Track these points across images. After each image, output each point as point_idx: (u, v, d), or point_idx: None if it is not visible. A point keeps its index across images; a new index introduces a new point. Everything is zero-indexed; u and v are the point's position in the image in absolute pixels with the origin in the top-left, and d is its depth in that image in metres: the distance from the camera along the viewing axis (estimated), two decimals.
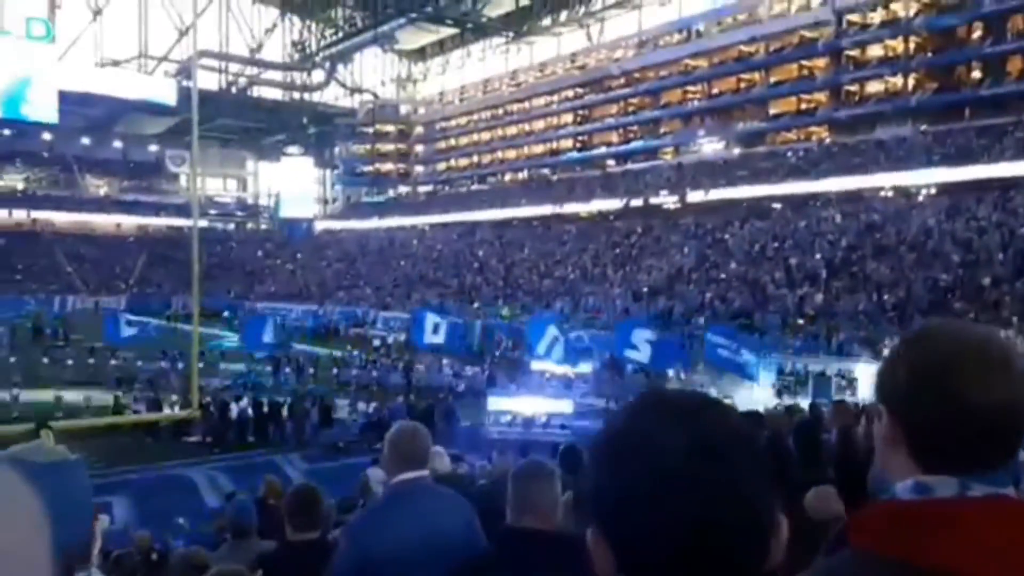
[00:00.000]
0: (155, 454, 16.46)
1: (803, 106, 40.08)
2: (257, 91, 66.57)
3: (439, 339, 18.72)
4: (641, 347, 14.58)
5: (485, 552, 2.34)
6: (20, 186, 60.19)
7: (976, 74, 33.54)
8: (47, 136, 57.32)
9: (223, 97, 60.34)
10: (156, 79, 57.75)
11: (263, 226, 69.49)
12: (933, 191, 31.07)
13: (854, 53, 37.46)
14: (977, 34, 33.22)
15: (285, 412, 18.60)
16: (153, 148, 63.87)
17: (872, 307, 23.74)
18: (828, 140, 38.36)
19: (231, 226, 67.44)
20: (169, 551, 7.56)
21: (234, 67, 64.80)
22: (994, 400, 0.89)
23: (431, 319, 19.03)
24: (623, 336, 15.33)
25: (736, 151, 41.70)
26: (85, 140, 60.53)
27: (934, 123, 33.72)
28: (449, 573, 2.22)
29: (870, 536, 0.90)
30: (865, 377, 16.24)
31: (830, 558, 0.95)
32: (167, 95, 54.29)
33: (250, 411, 18.27)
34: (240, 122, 63.43)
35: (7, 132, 54.67)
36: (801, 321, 24.48)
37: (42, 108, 49.23)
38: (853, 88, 37.91)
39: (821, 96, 39.35)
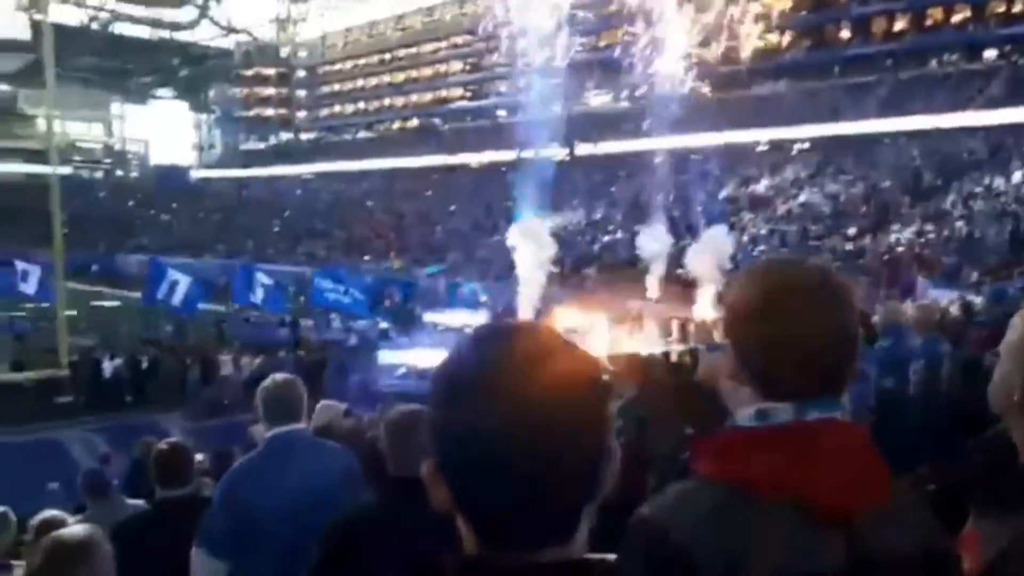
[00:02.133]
0: (21, 417, 15.45)
1: (686, 61, 40.86)
2: (122, 28, 61.81)
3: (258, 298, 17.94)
4: None
5: (366, 504, 2.33)
6: None
7: (845, 34, 35.18)
8: None
9: (83, 33, 55.75)
10: (5, 12, 52.68)
11: (133, 174, 65.33)
12: (806, 146, 32.67)
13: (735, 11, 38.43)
14: None
15: (165, 369, 17.82)
16: (5, 88, 58.51)
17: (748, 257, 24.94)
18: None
19: (98, 174, 63.06)
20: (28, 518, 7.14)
21: (95, 1, 59.81)
22: (823, 328, 0.95)
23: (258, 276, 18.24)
24: None
25: (623, 104, 42.30)
26: None
27: (806, 80, 35.24)
28: (330, 527, 2.20)
29: (709, 462, 0.95)
30: None
31: (677, 484, 0.99)
32: (19, 30, 49.74)
33: (126, 370, 17.42)
34: (103, 61, 58.88)
35: None
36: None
37: None
38: (733, 44, 38.97)
39: (704, 51, 40.22)
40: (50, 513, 3.67)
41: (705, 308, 17.40)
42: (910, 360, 3.59)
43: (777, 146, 33.45)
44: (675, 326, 16.31)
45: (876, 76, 32.19)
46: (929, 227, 22.70)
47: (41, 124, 58.40)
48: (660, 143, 37.11)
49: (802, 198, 27.87)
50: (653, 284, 19.27)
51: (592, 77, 44.37)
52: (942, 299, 9.35)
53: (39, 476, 9.96)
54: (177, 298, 16.20)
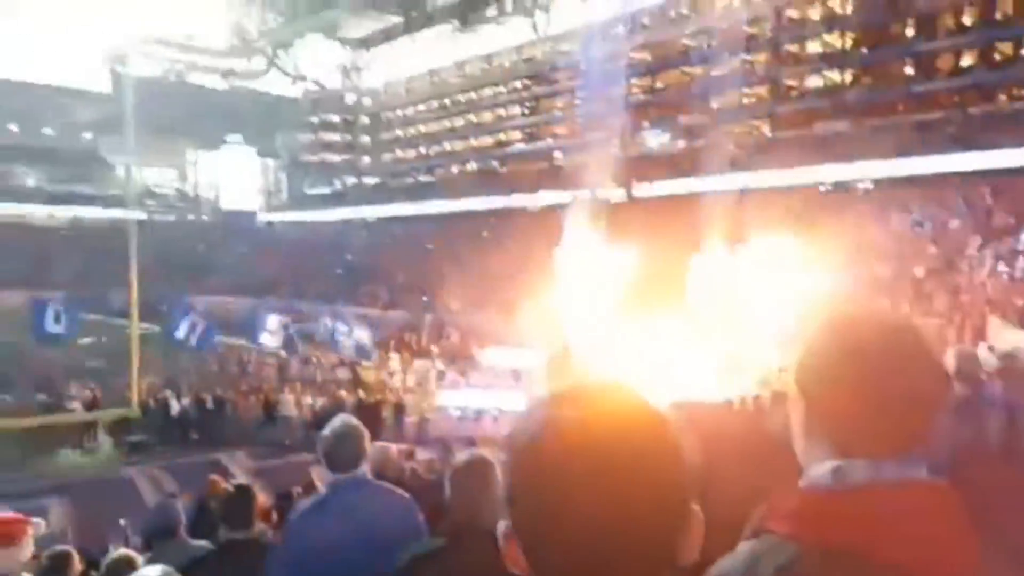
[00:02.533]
0: (95, 456, 15.97)
1: (744, 100, 40.70)
2: (196, 78, 64.86)
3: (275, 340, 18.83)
4: None
5: (431, 549, 2.34)
6: None
7: (909, 70, 34.53)
8: None
9: (160, 84, 58.58)
10: (89, 65, 55.91)
11: (204, 217, 67.79)
12: (870, 185, 31.98)
13: (793, 48, 38.23)
14: (909, 32, 34.21)
15: (228, 409, 18.24)
16: (87, 136, 61.66)
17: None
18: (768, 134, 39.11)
19: (172, 218, 65.61)
20: (99, 555, 7.32)
21: (172, 53, 62.93)
22: (905, 384, 0.91)
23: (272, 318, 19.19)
24: None
25: (680, 144, 42.18)
26: (13, 127, 58.15)
27: (869, 118, 34.62)
28: (396, 570, 2.21)
29: (782, 521, 0.92)
30: None
31: (748, 543, 0.95)
32: (101, 82, 52.59)
33: (192, 409, 17.89)
34: (179, 110, 61.68)
35: None
36: None
37: None
38: (792, 83, 38.68)
39: (762, 90, 40.02)
40: (122, 552, 3.77)
41: (763, 347, 16.84)
42: (988, 409, 3.45)
43: (841, 185, 32.83)
44: (734, 369, 15.97)
45: (943, 113, 31.45)
46: (1002, 267, 21.88)
47: (120, 171, 61.21)
48: (719, 183, 36.88)
49: (867, 238, 27.20)
50: (706, 316, 18.64)
51: (649, 117, 44.44)
52: (1017, 342, 8.98)
53: (110, 513, 10.24)
54: (195, 338, 17.70)
